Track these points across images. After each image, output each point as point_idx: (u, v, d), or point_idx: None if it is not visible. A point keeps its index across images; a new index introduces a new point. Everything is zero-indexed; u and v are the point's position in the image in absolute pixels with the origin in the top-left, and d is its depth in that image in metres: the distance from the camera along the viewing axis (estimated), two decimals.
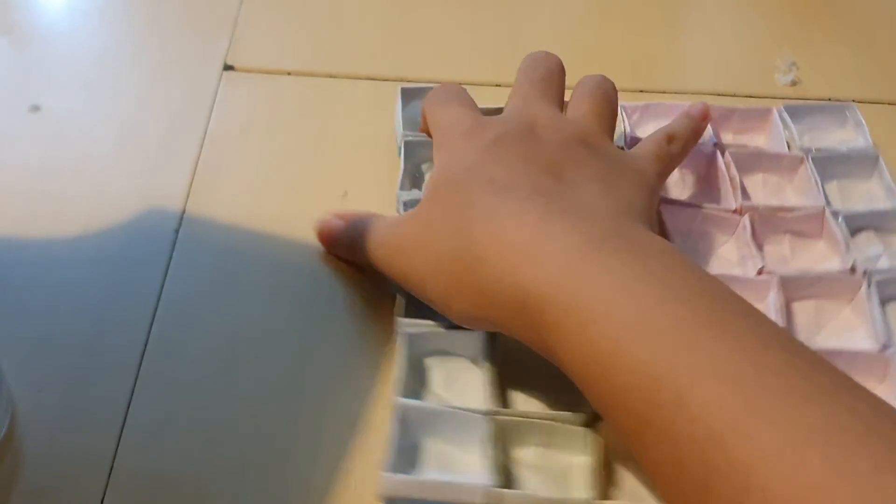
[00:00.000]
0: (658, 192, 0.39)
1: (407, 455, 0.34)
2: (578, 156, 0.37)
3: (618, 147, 0.40)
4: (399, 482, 0.32)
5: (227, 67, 0.53)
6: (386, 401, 0.37)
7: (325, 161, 0.48)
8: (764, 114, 0.50)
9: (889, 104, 0.53)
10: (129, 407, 0.36)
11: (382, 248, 0.38)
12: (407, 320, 0.38)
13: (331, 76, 0.53)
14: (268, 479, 0.35)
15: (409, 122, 0.47)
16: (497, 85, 0.52)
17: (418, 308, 0.38)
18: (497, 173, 0.35)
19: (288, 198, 0.45)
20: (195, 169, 0.46)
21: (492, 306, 0.33)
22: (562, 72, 0.43)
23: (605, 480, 0.34)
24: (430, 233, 0.35)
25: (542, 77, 0.42)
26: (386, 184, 0.45)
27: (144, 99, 0.51)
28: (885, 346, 0.38)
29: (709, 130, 0.48)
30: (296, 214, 0.44)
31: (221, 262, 0.42)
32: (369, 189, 0.46)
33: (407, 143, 0.45)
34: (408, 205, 0.43)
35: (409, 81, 0.51)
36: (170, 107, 0.50)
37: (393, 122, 0.48)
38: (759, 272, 0.41)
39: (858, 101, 0.51)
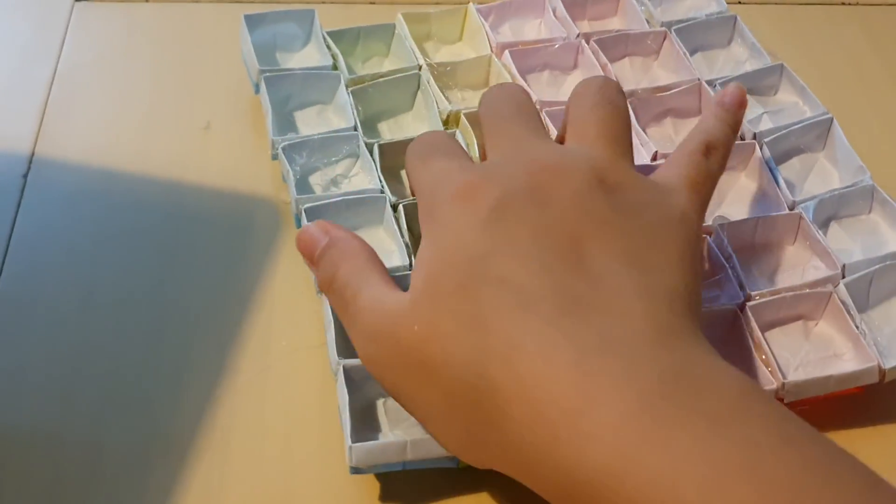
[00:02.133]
0: (701, 234, 0.32)
1: (364, 418, 0.32)
2: (600, 213, 0.29)
3: (641, 174, 0.32)
4: (372, 450, 0.30)
5: None
6: (257, 345, 0.35)
7: (184, 93, 0.45)
8: None
9: None
10: None
11: (373, 346, 0.30)
12: None
13: (193, 1, 0.49)
14: (126, 432, 0.33)
15: (261, 53, 0.43)
16: (372, 3, 0.50)
17: None
18: (508, 268, 0.27)
19: (145, 133, 0.43)
20: (44, 108, 0.44)
21: (525, 475, 0.27)
22: (528, 97, 0.36)
23: None
24: (436, 349, 0.27)
25: (515, 110, 0.34)
26: (251, 114, 0.43)
27: None
28: (793, 205, 0.38)
29: (567, 20, 0.46)
30: (154, 151, 0.42)
31: (74, 205, 0.40)
32: (235, 120, 0.43)
33: (268, 80, 0.42)
34: (286, 150, 0.39)
35: (277, 3, 0.48)
36: (15, 41, 0.47)
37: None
38: (654, 157, 0.41)
39: None
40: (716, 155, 0.33)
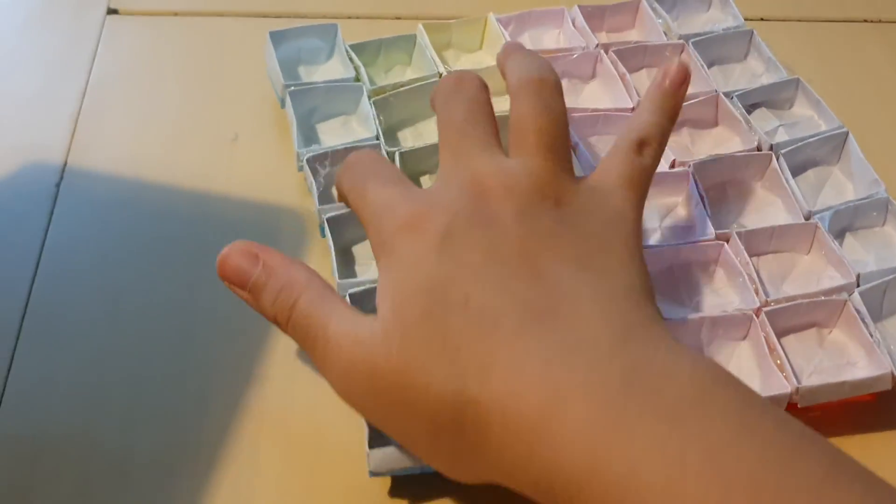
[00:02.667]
0: (640, 229, 0.32)
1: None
2: (545, 226, 0.30)
3: (578, 179, 0.32)
4: (389, 454, 0.31)
5: (111, 11, 0.50)
6: (283, 352, 0.36)
7: (213, 105, 0.46)
8: (632, 6, 0.49)
9: None
10: (10, 369, 0.35)
11: (350, 380, 0.29)
12: (349, 281, 0.36)
13: (219, 14, 0.50)
14: (156, 436, 0.33)
15: (285, 68, 0.44)
16: (397, 18, 0.51)
17: (348, 268, 0.37)
18: (469, 291, 0.28)
19: (174, 144, 0.44)
20: (76, 119, 0.45)
21: (512, 483, 0.27)
22: (483, 93, 0.35)
23: None
24: (413, 378, 0.28)
25: (465, 115, 0.33)
26: (277, 126, 0.44)
27: (22, 46, 0.48)
28: (809, 215, 0.39)
29: (586, 30, 0.47)
30: (183, 161, 0.43)
31: (105, 214, 0.41)
32: (262, 132, 0.44)
33: (293, 94, 0.43)
34: (310, 162, 0.40)
35: (302, 17, 0.49)
36: (48, 54, 0.48)
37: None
38: (672, 165, 0.41)
39: None
40: (649, 149, 0.34)
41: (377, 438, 0.31)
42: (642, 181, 0.33)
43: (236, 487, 0.32)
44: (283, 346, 0.36)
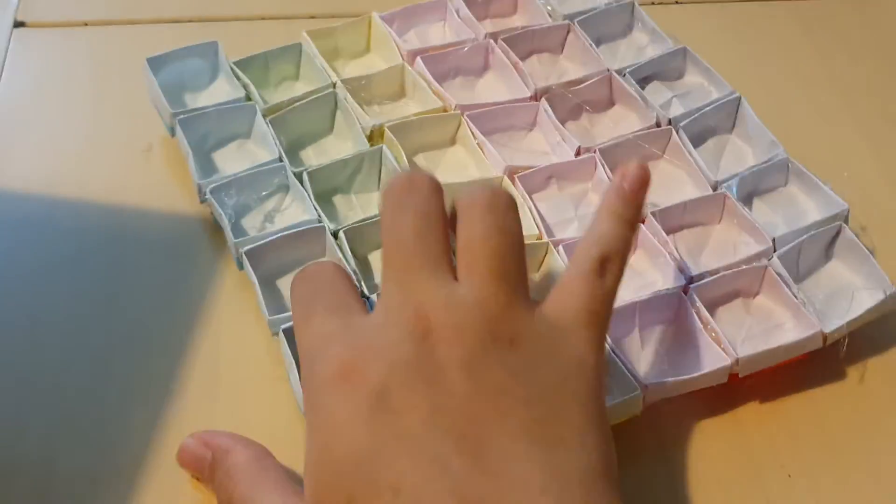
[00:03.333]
0: (603, 377, 0.29)
1: None
2: (495, 382, 0.26)
3: (533, 308, 0.29)
4: None
5: (18, 24, 0.49)
6: (204, 367, 0.36)
7: (125, 116, 0.45)
8: None
9: None
10: None
11: None
12: (280, 317, 0.35)
13: (131, 23, 0.50)
14: (78, 452, 0.33)
15: (170, 94, 0.42)
16: (336, 16, 0.50)
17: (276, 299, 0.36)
18: (400, 470, 0.25)
19: (87, 158, 0.43)
20: None
21: None
22: (435, 200, 0.30)
23: None
24: None
25: (414, 228, 0.29)
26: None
27: None
28: (715, 185, 0.40)
29: (472, 20, 0.47)
30: (96, 174, 0.42)
31: (17, 233, 0.40)
32: (175, 142, 0.43)
33: (183, 122, 0.41)
34: (215, 193, 0.38)
35: (212, 20, 0.50)
36: None
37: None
38: (578, 152, 0.41)
39: None
40: (612, 268, 0.30)
41: None
42: (604, 312, 0.30)
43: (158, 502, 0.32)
44: (202, 360, 0.36)
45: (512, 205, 0.30)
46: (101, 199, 0.41)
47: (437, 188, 0.30)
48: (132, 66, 0.45)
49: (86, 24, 0.49)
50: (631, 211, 0.31)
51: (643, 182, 0.32)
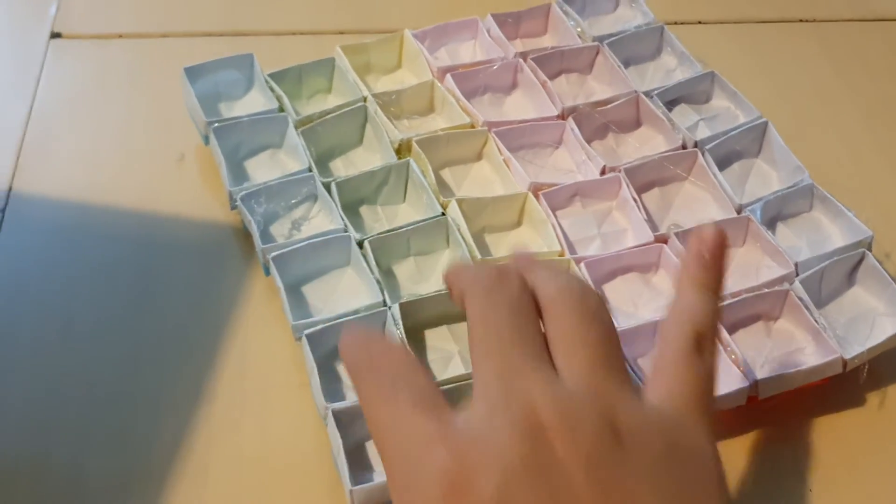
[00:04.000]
0: (722, 469, 0.27)
1: (357, 459, 0.32)
2: (619, 482, 0.25)
3: (640, 395, 0.28)
4: (371, 491, 0.31)
5: (55, 35, 0.50)
6: (232, 374, 0.37)
7: (158, 126, 0.46)
8: (543, 11, 0.50)
9: None
10: None
11: None
12: (304, 322, 0.35)
13: (164, 35, 0.51)
14: (108, 457, 0.34)
15: (206, 103, 0.43)
16: (341, 32, 0.51)
17: (299, 302, 0.37)
18: None
19: (120, 167, 0.44)
20: (21, 144, 0.45)
21: None
22: (528, 295, 0.29)
23: None
24: None
25: (510, 320, 0.28)
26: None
27: None
28: (740, 208, 0.40)
29: (502, 39, 0.47)
30: (129, 183, 0.44)
31: (51, 239, 0.41)
32: (206, 151, 0.44)
33: (217, 131, 0.42)
34: (245, 200, 0.39)
35: (243, 35, 0.51)
36: None
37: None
38: (603, 171, 0.42)
39: None
40: (709, 345, 0.29)
41: (356, 474, 0.31)
42: (710, 391, 0.28)
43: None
44: (230, 366, 0.37)
45: (602, 300, 0.29)
46: (134, 206, 0.42)
47: (527, 286, 0.29)
48: (165, 77, 0.47)
49: (120, 37, 0.51)
50: (715, 278, 0.30)
51: (722, 246, 0.30)
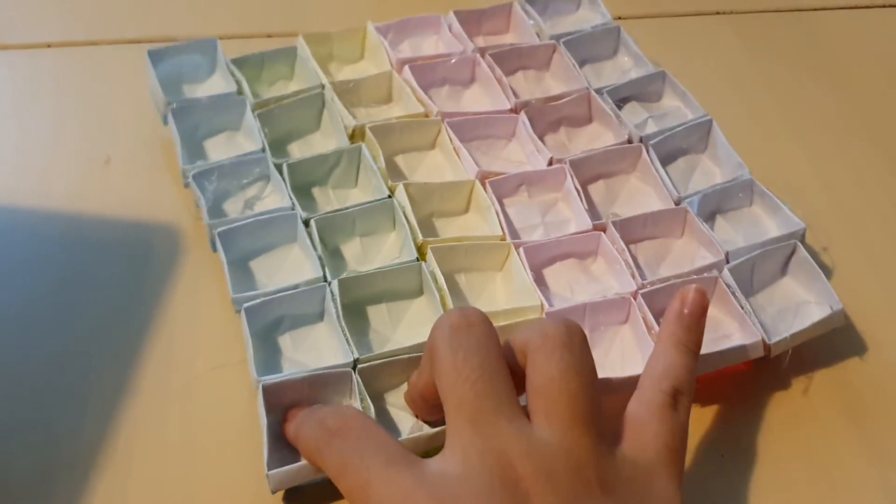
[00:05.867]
0: None
1: (279, 440, 0.33)
2: None
3: (612, 449, 0.29)
4: (288, 472, 0.31)
5: None
6: (155, 365, 0.37)
7: (85, 131, 0.47)
8: (505, 10, 0.51)
9: None
10: None
11: None
12: (244, 295, 0.36)
13: (93, 44, 0.52)
14: (32, 448, 0.34)
15: (167, 85, 0.44)
16: (268, 35, 0.52)
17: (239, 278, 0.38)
18: None
19: (48, 172, 0.45)
20: None
21: None
22: (494, 337, 0.30)
23: None
24: None
25: (479, 368, 0.29)
26: (151, 147, 0.46)
27: None
28: (679, 200, 0.41)
29: (463, 36, 0.49)
30: (56, 187, 0.44)
31: None
32: (134, 153, 0.45)
33: (175, 111, 0.43)
34: (197, 178, 0.40)
35: (173, 40, 0.50)
36: None
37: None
38: (550, 163, 0.43)
39: None
40: (683, 400, 0.30)
41: (278, 454, 0.32)
42: (682, 446, 0.30)
43: (110, 497, 0.33)
44: (156, 358, 0.37)
45: (585, 340, 0.30)
46: (61, 208, 0.43)
47: (492, 327, 0.30)
48: (94, 84, 0.49)
49: (49, 46, 0.52)
50: (694, 338, 0.32)
51: (703, 308, 0.32)
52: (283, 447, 0.32)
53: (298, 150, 0.44)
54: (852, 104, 0.51)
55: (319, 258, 0.38)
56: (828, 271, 0.41)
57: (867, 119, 0.50)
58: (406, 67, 0.47)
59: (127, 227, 0.42)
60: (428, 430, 0.33)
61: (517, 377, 0.30)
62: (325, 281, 0.37)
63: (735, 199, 0.42)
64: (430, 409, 0.33)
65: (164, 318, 0.39)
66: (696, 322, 0.32)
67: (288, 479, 0.32)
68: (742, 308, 0.37)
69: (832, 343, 0.38)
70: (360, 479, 0.28)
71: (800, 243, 0.39)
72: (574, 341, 0.29)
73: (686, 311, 0.32)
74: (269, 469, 0.31)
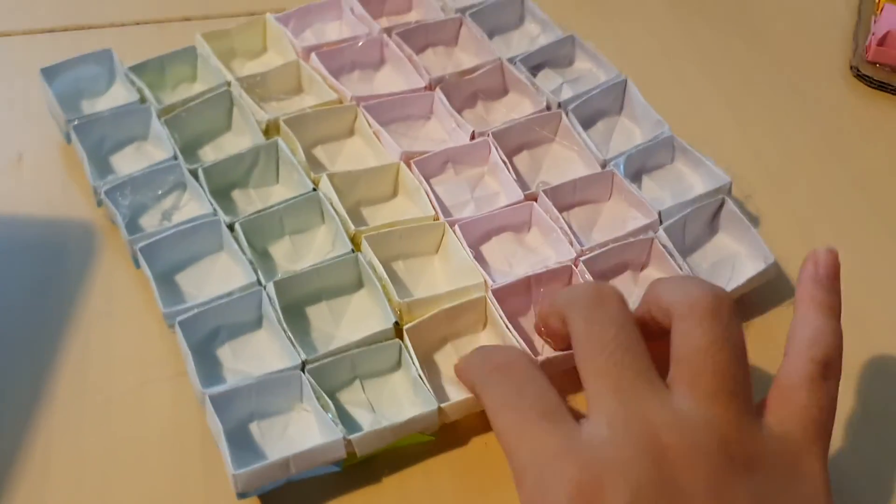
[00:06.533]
0: (830, 492, 0.28)
1: (240, 442, 0.32)
2: (736, 496, 0.26)
3: (760, 423, 0.28)
4: (256, 473, 0.30)
5: None
6: (71, 370, 0.36)
7: None
8: None
9: None
10: None
11: None
12: (175, 309, 0.35)
13: (6, 34, 0.49)
14: None
15: (66, 102, 0.42)
16: (186, 19, 0.50)
17: (172, 291, 0.36)
18: None
19: None
20: None
21: None
22: (629, 311, 0.30)
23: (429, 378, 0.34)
24: None
25: (617, 338, 0.28)
26: (65, 144, 0.43)
27: None
28: (604, 164, 0.41)
29: (366, 17, 0.48)
30: None
31: None
32: (47, 150, 0.43)
33: (77, 128, 0.41)
34: (109, 194, 0.39)
35: (79, 29, 0.49)
36: None
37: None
38: (472, 137, 0.42)
39: None
40: (834, 371, 0.29)
41: (239, 457, 0.31)
42: (831, 420, 0.29)
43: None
44: (72, 362, 0.36)
45: (733, 307, 0.29)
46: None
47: (623, 298, 0.30)
48: (2, 78, 0.46)
49: None
50: (836, 300, 0.30)
51: (837, 266, 0.31)
52: (243, 451, 0.31)
53: (212, 153, 0.42)
54: (769, 57, 0.51)
55: (250, 262, 0.36)
56: (754, 221, 0.41)
57: (778, 65, 0.51)
58: (313, 55, 0.45)
59: (40, 227, 0.40)
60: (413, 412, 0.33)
61: (661, 336, 0.29)
62: (260, 285, 0.36)
63: (658, 156, 0.42)
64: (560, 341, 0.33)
65: (80, 321, 0.37)
66: (834, 282, 0.30)
67: (255, 480, 0.31)
68: (681, 268, 0.37)
69: (766, 293, 0.39)
70: (514, 423, 0.28)
71: (728, 198, 0.40)
72: (722, 310, 0.28)
73: (822, 272, 0.30)
74: (236, 469, 0.30)
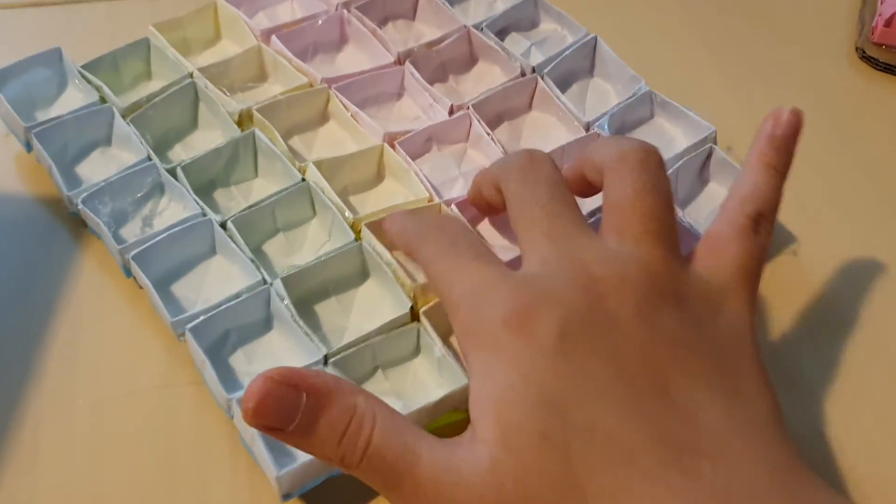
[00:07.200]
0: (757, 336, 0.28)
1: (272, 443, 0.31)
2: (670, 331, 0.26)
3: (686, 265, 0.29)
4: (299, 472, 0.30)
5: None
6: (60, 350, 0.35)
7: None
8: None
9: None
10: None
11: None
12: (183, 317, 0.33)
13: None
14: None
15: (21, 108, 0.40)
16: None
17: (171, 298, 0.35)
18: (595, 413, 0.24)
19: None
20: None
21: None
22: (559, 173, 0.31)
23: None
24: None
25: (549, 195, 0.30)
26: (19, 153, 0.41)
27: None
28: (587, 126, 0.41)
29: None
30: None
31: None
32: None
33: (39, 135, 0.38)
34: (87, 202, 0.36)
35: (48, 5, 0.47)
36: None
37: None
38: (451, 111, 0.42)
39: None
40: (766, 224, 0.29)
41: (277, 459, 0.30)
42: (759, 270, 0.29)
43: (15, 490, 0.31)
44: (60, 342, 0.35)
45: (661, 160, 0.30)
46: None
47: (556, 165, 0.31)
48: None
49: None
50: (784, 160, 0.31)
51: (797, 128, 0.31)
52: (277, 453, 0.30)
53: (182, 151, 0.41)
54: (773, 39, 0.51)
55: (252, 260, 0.35)
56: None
57: (782, 46, 0.50)
58: (274, 37, 0.43)
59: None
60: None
61: (592, 194, 0.32)
62: (266, 283, 0.35)
63: (637, 112, 0.42)
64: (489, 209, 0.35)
65: (93, 337, 0.35)
66: (788, 143, 0.31)
67: (299, 480, 0.30)
68: (682, 221, 0.37)
69: None
70: (449, 266, 0.29)
71: (714, 146, 0.40)
72: (651, 160, 0.30)
73: (778, 132, 0.31)
74: (279, 470, 0.29)
